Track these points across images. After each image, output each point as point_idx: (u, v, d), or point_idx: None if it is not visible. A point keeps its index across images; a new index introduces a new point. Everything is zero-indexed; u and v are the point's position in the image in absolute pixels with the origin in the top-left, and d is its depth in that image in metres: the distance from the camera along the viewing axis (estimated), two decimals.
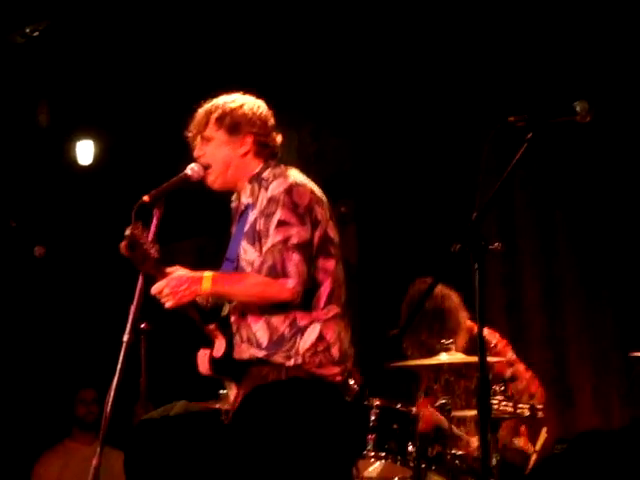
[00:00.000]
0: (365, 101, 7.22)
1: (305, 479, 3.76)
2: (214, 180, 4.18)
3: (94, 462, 3.79)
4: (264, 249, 3.97)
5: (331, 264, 4.05)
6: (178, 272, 3.98)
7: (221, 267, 4.21)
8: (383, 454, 5.07)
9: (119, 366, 3.85)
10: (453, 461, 4.98)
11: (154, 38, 7.14)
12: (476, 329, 5.47)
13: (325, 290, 4.01)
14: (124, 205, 4.08)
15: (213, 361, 4.07)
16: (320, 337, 3.96)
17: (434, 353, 5.34)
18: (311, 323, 3.97)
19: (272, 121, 4.22)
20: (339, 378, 3.99)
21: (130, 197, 4.09)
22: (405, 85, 6.95)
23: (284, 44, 7.03)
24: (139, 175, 7.17)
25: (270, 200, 4.00)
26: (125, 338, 3.88)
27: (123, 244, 3.86)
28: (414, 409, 5.28)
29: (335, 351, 3.98)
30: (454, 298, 5.70)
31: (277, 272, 3.90)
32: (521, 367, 5.69)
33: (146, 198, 3.93)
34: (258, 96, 4.27)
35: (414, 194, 7.17)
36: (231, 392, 4.14)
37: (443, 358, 5.23)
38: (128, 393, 4.18)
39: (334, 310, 4.03)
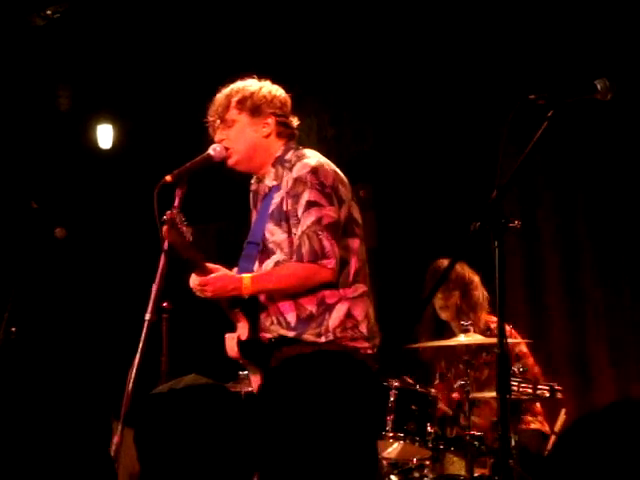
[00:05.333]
0: (384, 85, 7.21)
1: (331, 450, 3.80)
2: (238, 161, 4.17)
3: (115, 439, 3.77)
4: (297, 232, 3.96)
5: (356, 243, 4.06)
6: (221, 272, 3.99)
7: (243, 250, 4.19)
8: (402, 435, 5.11)
9: (141, 345, 3.83)
10: (472, 442, 5.00)
11: (172, 24, 7.17)
12: (493, 323, 5.51)
13: (352, 269, 4.02)
14: (142, 187, 4.09)
15: (241, 344, 4.05)
16: (348, 314, 3.97)
17: (451, 334, 5.35)
18: (339, 301, 3.97)
19: (290, 102, 4.23)
20: (370, 352, 3.99)
21: (148, 180, 4.09)
22: (424, 67, 6.93)
23: (300, 30, 7.03)
24: (157, 159, 7.21)
25: (296, 180, 4.00)
26: (147, 317, 3.87)
27: (165, 228, 3.85)
28: (433, 390, 5.31)
29: (363, 328, 3.99)
30: (475, 276, 5.72)
31: (317, 254, 3.90)
32: (530, 361, 5.65)
33: (169, 178, 3.92)
34: (276, 83, 4.28)
35: (433, 179, 7.16)
36: (254, 378, 4.11)
37: (462, 340, 5.25)
38: (149, 373, 4.18)
39: (361, 288, 4.04)
